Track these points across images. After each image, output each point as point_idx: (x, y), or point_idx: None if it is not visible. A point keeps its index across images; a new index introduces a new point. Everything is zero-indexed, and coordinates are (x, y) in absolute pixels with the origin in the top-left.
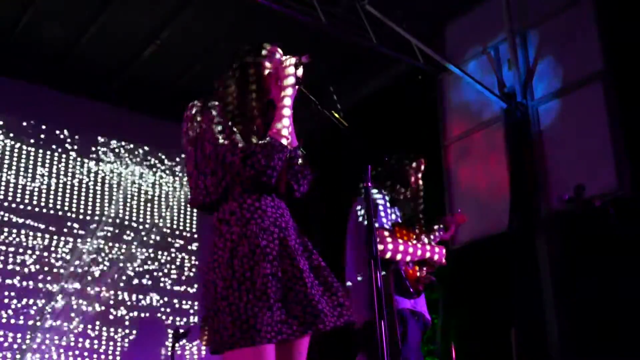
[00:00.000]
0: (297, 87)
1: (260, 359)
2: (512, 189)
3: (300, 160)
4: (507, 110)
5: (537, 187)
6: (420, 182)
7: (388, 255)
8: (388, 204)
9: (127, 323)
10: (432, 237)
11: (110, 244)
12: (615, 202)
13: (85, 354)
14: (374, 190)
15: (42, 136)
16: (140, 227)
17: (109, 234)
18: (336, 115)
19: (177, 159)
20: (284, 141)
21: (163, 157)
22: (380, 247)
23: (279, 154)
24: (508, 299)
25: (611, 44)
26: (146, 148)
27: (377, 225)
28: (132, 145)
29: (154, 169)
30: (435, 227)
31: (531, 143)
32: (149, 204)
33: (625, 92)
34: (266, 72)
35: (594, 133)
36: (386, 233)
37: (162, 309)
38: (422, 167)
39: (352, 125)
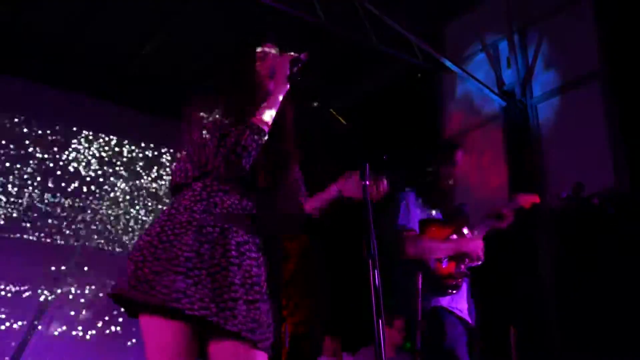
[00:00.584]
0: (292, 84)
1: (162, 331)
2: (511, 187)
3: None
4: (506, 108)
5: (535, 185)
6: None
7: (413, 254)
8: (415, 200)
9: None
10: (475, 231)
11: (110, 244)
12: (614, 200)
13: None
14: (402, 187)
15: (40, 133)
16: (139, 226)
17: (106, 233)
18: (335, 114)
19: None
20: (261, 124)
21: (164, 154)
22: (405, 247)
23: (252, 136)
24: (508, 297)
25: (609, 43)
26: (145, 145)
27: (399, 225)
28: (132, 143)
29: (155, 166)
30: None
31: (530, 141)
32: (148, 201)
33: (623, 90)
34: (259, 74)
35: (592, 131)
36: (410, 233)
37: None
38: (459, 159)
39: (351, 123)
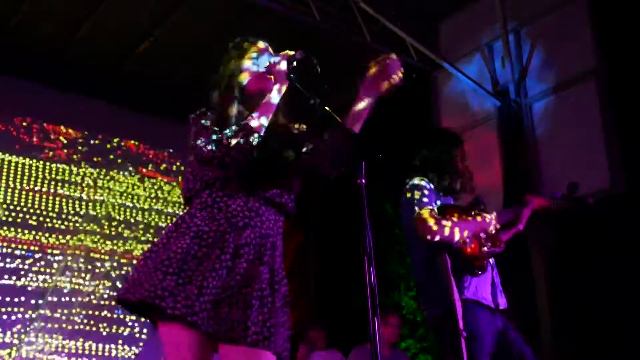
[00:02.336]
0: (289, 82)
1: (183, 339)
2: (506, 187)
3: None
4: (501, 108)
5: (530, 184)
6: (469, 168)
7: (437, 237)
8: (434, 190)
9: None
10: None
11: (105, 243)
12: (608, 200)
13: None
14: (418, 178)
15: (36, 133)
16: (134, 226)
17: (101, 233)
18: (331, 112)
19: (173, 156)
20: (256, 124)
21: (159, 154)
22: (426, 227)
23: (248, 139)
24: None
25: (605, 42)
26: (143, 145)
27: (417, 208)
28: (127, 143)
29: (150, 166)
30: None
31: (524, 141)
32: (143, 202)
33: (619, 89)
34: (246, 79)
35: (587, 130)
36: (431, 215)
37: None
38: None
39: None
